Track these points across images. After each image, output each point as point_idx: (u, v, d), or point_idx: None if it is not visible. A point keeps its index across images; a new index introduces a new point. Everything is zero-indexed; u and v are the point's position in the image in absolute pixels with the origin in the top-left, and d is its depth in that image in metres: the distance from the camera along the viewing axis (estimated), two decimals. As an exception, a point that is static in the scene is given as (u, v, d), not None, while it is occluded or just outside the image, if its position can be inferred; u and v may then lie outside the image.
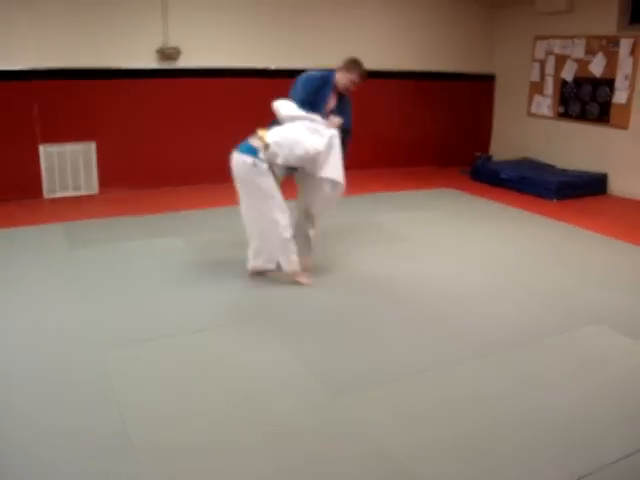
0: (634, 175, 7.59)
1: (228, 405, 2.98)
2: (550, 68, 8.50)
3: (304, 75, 4.67)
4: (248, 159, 4.23)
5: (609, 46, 7.66)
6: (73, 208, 6.62)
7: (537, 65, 8.69)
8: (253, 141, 4.30)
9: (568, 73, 8.25)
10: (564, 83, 8.34)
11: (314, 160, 4.24)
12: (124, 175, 7.26)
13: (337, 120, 4.44)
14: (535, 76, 8.74)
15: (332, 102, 4.68)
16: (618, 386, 3.23)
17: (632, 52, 7.40)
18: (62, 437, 2.69)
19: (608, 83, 7.74)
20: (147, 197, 7.06)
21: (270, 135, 4.28)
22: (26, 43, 6.49)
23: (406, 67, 8.70)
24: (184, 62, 7.27)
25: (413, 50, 8.75)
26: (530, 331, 3.85)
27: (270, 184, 4.25)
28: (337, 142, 4.29)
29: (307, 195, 4.58)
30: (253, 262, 4.53)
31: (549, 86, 8.56)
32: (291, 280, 4.50)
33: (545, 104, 8.67)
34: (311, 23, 7.93)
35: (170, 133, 7.41)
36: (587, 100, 8.06)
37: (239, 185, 4.39)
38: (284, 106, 4.50)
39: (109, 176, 7.20)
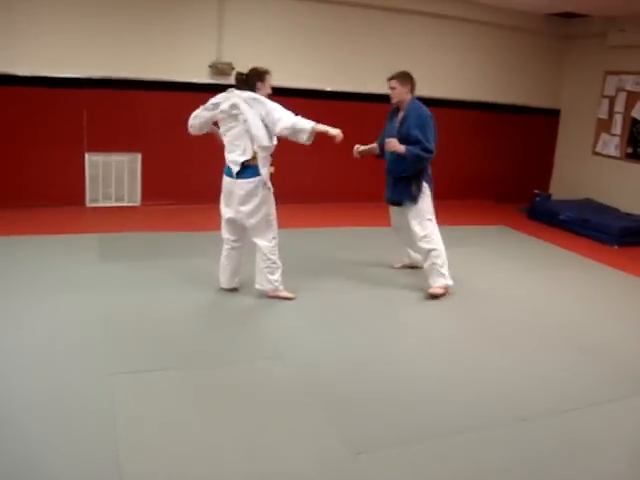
0: None
1: (235, 453, 2.70)
2: (620, 105, 8.02)
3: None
4: None
5: (686, 85, 7.17)
6: (113, 219, 6.53)
7: (606, 101, 8.22)
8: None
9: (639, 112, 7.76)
10: (634, 122, 7.84)
11: None
12: (168, 188, 7.14)
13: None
14: (603, 113, 8.27)
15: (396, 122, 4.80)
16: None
17: None
18: (52, 461, 2.50)
19: (682, 124, 7.23)
20: (189, 212, 6.91)
21: None
22: (79, 51, 6.48)
23: (469, 97, 8.37)
24: (236, 78, 7.12)
25: (476, 80, 8.42)
26: (580, 396, 3.45)
27: None
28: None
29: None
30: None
31: (618, 124, 8.07)
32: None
33: (612, 143, 8.17)
34: (368, 47, 7.70)
35: (216, 149, 7.25)
36: (659, 141, 7.56)
37: None
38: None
39: (153, 188, 7.10)
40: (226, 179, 4.43)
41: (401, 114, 4.70)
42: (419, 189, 4.69)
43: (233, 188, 4.37)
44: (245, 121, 4.23)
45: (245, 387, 3.28)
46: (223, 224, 4.57)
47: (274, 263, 4.43)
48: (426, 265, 4.79)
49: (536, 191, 8.45)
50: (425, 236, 4.72)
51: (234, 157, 4.35)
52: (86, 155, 6.78)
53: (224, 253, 4.58)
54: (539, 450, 2.87)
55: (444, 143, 8.25)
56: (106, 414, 2.88)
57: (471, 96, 8.40)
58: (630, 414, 3.30)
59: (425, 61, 7.93)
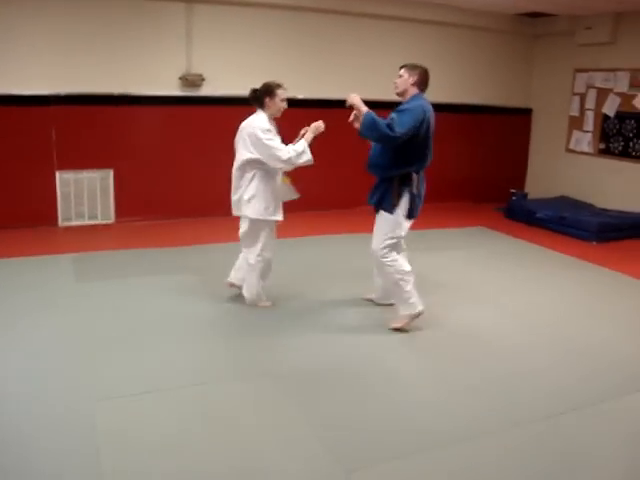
0: (682, 217, 7.10)
1: (226, 474, 2.61)
2: (591, 102, 8.08)
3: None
4: None
5: (656, 80, 7.25)
6: (87, 238, 6.38)
7: (577, 99, 8.28)
8: None
9: (610, 108, 7.83)
10: (605, 118, 7.91)
11: None
12: (142, 204, 7.01)
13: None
14: (575, 110, 8.33)
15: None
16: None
17: (680, 87, 6.98)
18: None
19: (654, 119, 7.31)
20: (164, 228, 6.80)
21: None
22: (46, 68, 6.33)
23: (441, 99, 8.32)
24: (207, 90, 7.04)
25: (447, 82, 8.40)
26: (570, 397, 3.41)
27: None
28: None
29: None
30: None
31: (589, 121, 8.13)
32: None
33: (585, 140, 8.23)
34: (338, 52, 7.68)
35: (190, 162, 7.17)
36: (630, 136, 7.61)
37: None
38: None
39: (126, 205, 6.96)
40: None
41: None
42: (398, 198, 4.08)
43: None
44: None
45: (235, 406, 3.19)
46: None
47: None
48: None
49: (512, 190, 8.48)
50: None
51: None
52: (57, 173, 6.62)
53: None
54: (536, 455, 2.82)
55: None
56: (88, 441, 2.77)
57: (443, 98, 8.36)
58: (627, 412, 3.27)
59: (397, 64, 7.91)
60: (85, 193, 6.78)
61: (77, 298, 4.61)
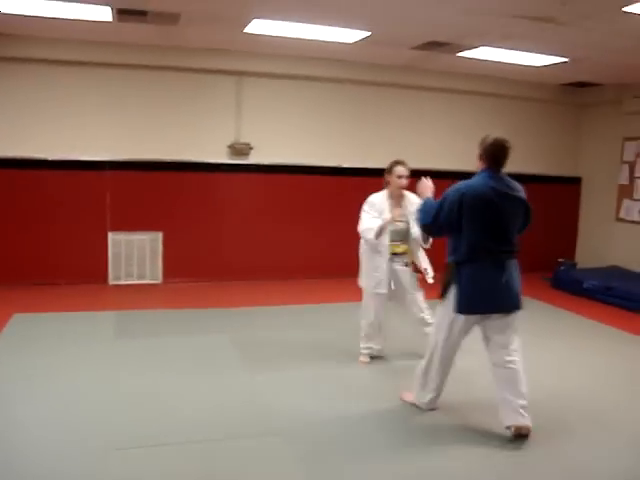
0: None
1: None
2: (640, 171, 7.98)
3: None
4: None
5: None
6: (133, 296, 6.66)
7: (626, 167, 8.18)
8: None
9: (659, 176, 7.70)
10: (656, 187, 7.77)
11: None
12: (189, 266, 7.29)
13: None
14: (624, 179, 8.21)
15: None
16: None
17: None
18: None
19: None
20: (208, 290, 7.02)
21: None
22: (103, 136, 6.82)
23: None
24: (254, 158, 7.36)
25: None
26: None
27: None
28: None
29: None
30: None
31: (639, 189, 7.99)
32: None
33: (635, 209, 8.07)
34: (381, 125, 7.90)
35: (236, 227, 7.43)
36: (681, 206, 7.44)
37: None
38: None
39: (174, 266, 7.25)
40: None
41: None
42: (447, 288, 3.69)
43: None
44: None
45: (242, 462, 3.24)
46: None
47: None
48: None
49: (560, 260, 8.33)
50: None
51: None
52: (109, 234, 7.00)
53: None
54: None
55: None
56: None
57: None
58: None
59: (448, 136, 8.09)
60: (135, 254, 7.11)
61: (111, 353, 4.82)
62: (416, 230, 4.37)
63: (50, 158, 6.69)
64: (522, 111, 8.55)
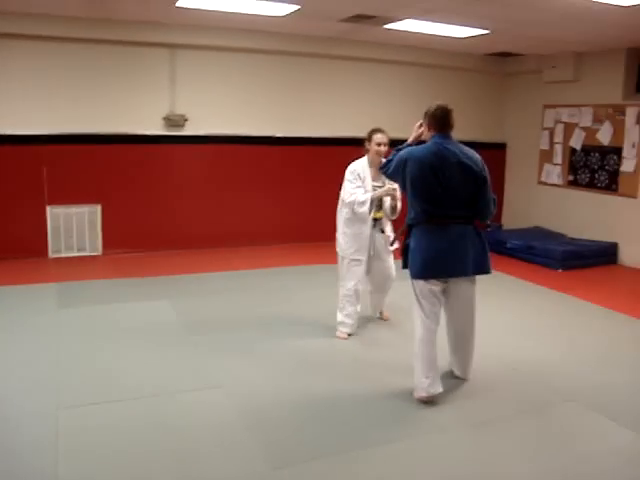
0: (644, 245, 7.40)
1: (166, 469, 2.92)
2: (559, 136, 8.46)
3: None
4: None
5: (615, 114, 7.61)
6: (74, 268, 6.75)
7: (547, 133, 8.66)
8: None
9: (576, 141, 8.20)
10: (573, 151, 8.28)
11: None
12: (127, 238, 7.40)
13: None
14: (545, 144, 8.71)
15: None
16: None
17: (638, 120, 7.34)
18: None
19: (616, 151, 7.66)
20: (147, 260, 7.17)
21: None
22: (38, 110, 6.80)
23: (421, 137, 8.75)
24: (190, 129, 7.49)
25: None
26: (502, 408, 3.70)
27: None
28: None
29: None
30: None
31: (558, 154, 8.50)
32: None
33: (555, 172, 8.59)
34: (315, 92, 8.13)
35: (173, 198, 7.58)
36: (596, 168, 7.96)
37: None
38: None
39: (113, 238, 7.35)
40: None
41: None
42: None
43: None
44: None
45: (180, 416, 3.51)
46: None
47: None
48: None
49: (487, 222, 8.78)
50: None
51: None
52: (47, 208, 7.05)
53: None
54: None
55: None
56: (48, 445, 3.09)
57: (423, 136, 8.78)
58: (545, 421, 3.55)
59: (373, 103, 8.36)
60: (74, 226, 7.18)
61: (54, 321, 4.98)
62: (387, 200, 4.66)
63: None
64: (448, 80, 8.88)
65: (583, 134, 8.09)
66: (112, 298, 5.68)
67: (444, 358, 4.01)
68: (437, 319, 3.78)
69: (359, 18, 6.40)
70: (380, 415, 3.55)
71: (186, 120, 7.42)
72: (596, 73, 7.80)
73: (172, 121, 7.34)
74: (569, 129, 8.29)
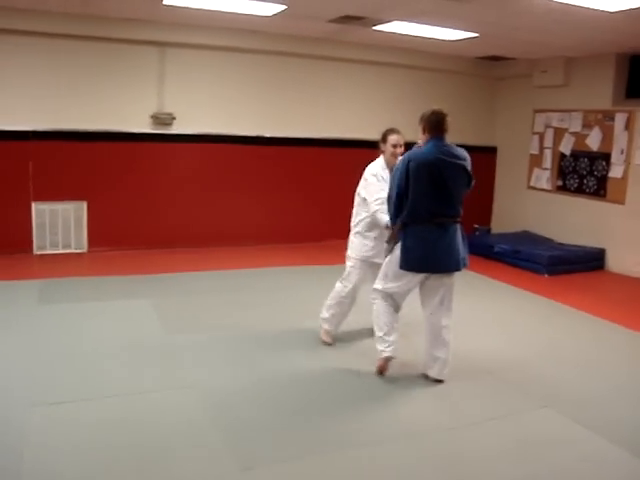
0: (630, 252, 7.38)
1: (131, 470, 2.90)
2: (549, 141, 8.45)
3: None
4: None
5: (605, 120, 7.61)
6: (58, 265, 6.72)
7: (536, 138, 8.66)
8: None
9: (566, 146, 8.19)
10: (562, 156, 8.27)
11: None
12: (113, 235, 7.37)
13: None
14: (535, 149, 8.70)
15: None
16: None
17: (627, 126, 7.34)
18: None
19: (605, 157, 7.65)
20: (133, 258, 7.14)
21: None
22: (25, 106, 6.78)
23: (412, 139, 8.72)
24: (177, 128, 7.47)
25: (415, 122, 8.79)
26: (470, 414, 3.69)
27: None
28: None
29: None
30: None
31: (548, 159, 8.49)
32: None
33: (544, 177, 8.58)
34: (305, 93, 8.11)
35: (160, 196, 7.55)
36: (585, 174, 7.95)
37: None
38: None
39: (99, 235, 7.32)
40: None
41: None
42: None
43: None
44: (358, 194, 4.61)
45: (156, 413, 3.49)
46: None
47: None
48: None
49: (475, 225, 8.80)
50: None
51: None
52: (33, 204, 7.02)
53: None
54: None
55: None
56: (15, 443, 3.06)
57: (414, 138, 8.76)
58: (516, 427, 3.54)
59: (363, 105, 8.35)
60: (59, 223, 7.15)
61: (33, 318, 4.94)
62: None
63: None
64: (439, 82, 8.87)
65: (573, 139, 8.08)
66: (94, 296, 5.65)
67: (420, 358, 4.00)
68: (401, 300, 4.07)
69: (347, 19, 6.39)
70: (353, 418, 3.53)
71: (174, 119, 7.40)
72: (586, 78, 7.79)
73: (160, 119, 7.31)
74: (559, 134, 8.28)
